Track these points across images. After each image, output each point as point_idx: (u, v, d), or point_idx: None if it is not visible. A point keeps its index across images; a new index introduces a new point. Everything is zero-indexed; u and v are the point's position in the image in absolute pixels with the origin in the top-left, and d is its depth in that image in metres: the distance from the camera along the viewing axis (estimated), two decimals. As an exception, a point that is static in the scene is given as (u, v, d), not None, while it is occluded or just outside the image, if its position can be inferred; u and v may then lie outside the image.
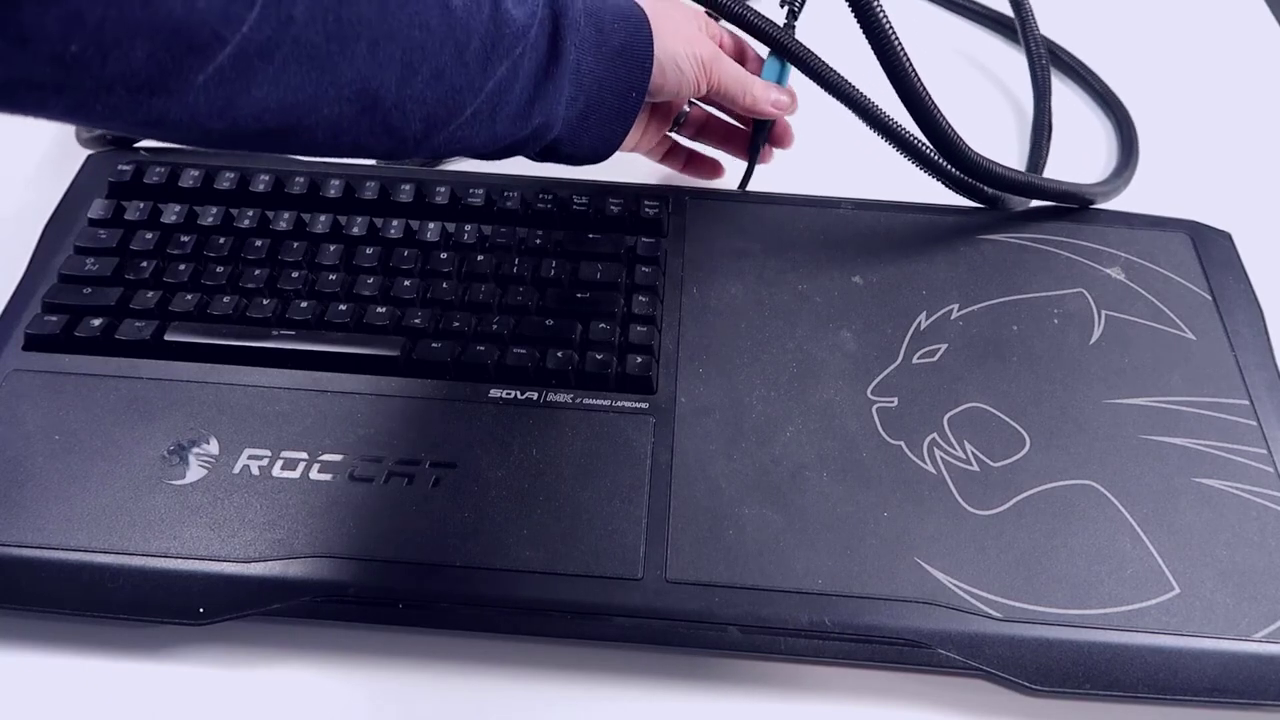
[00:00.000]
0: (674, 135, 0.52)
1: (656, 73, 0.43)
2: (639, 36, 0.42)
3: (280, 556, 0.37)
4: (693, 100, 0.49)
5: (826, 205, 0.50)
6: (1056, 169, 0.56)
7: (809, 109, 0.51)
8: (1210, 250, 0.48)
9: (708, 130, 0.52)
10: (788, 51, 0.46)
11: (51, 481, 0.39)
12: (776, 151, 0.52)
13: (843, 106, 0.46)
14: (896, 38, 0.42)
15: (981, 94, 0.62)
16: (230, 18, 0.28)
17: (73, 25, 0.25)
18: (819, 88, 0.46)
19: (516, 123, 0.39)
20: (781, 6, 0.47)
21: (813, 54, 0.46)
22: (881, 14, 0.42)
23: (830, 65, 0.45)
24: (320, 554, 0.37)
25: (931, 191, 0.49)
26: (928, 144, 0.45)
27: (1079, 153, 0.58)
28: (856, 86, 0.45)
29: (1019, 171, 0.47)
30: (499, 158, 0.42)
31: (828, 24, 0.48)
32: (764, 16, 0.46)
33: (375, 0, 0.32)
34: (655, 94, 0.44)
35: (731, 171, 0.53)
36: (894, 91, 0.44)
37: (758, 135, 0.50)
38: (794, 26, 0.47)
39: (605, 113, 0.42)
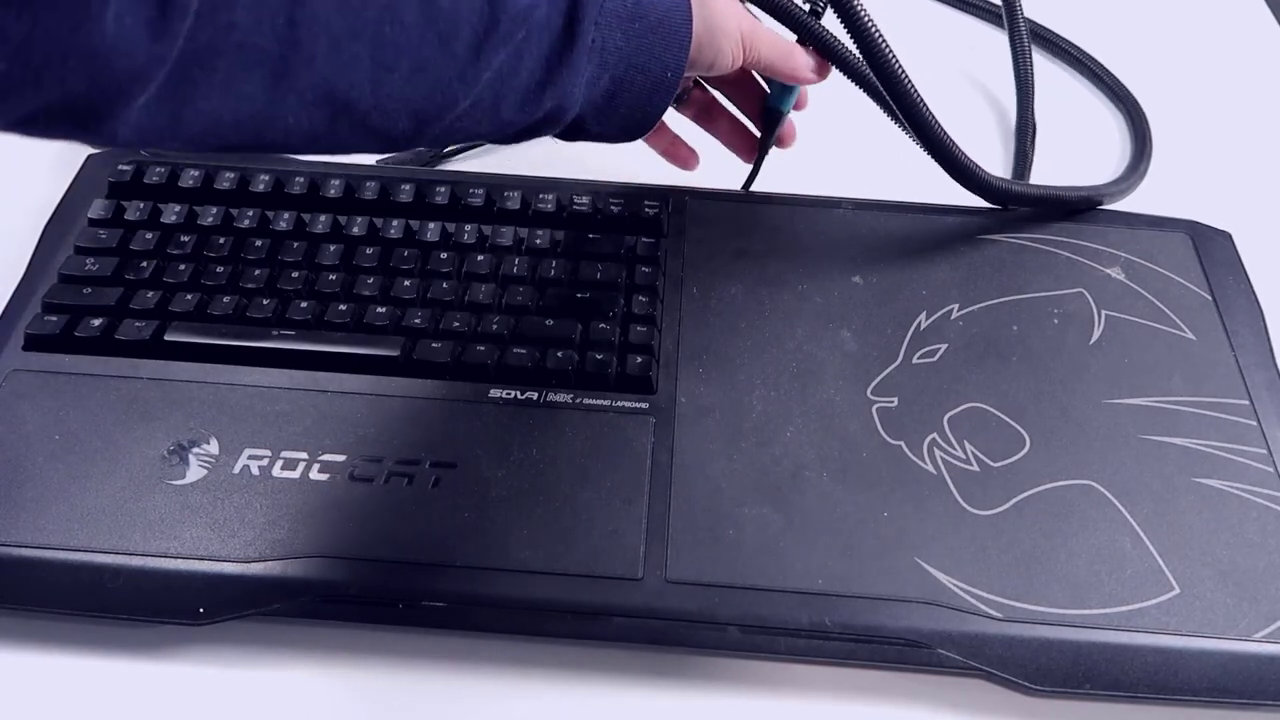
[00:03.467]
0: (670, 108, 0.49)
1: (694, 49, 0.39)
2: (677, 11, 0.39)
3: (280, 556, 0.37)
4: (699, 80, 0.47)
5: (826, 205, 0.50)
6: (1068, 164, 0.56)
7: (811, 110, 0.51)
8: (1210, 250, 0.48)
9: (708, 116, 0.50)
10: (818, 39, 0.44)
11: (51, 481, 0.39)
12: (777, 151, 0.51)
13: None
14: (901, 67, 0.42)
15: (961, 86, 0.62)
16: (163, 32, 0.25)
17: None
18: (845, 75, 0.44)
19: (525, 108, 0.36)
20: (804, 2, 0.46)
21: (841, 43, 0.44)
22: (886, 48, 0.41)
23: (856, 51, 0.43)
24: (320, 554, 0.37)
25: (931, 192, 0.49)
26: (952, 140, 0.45)
27: (1091, 147, 0.58)
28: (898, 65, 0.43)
29: (1035, 185, 0.48)
30: (515, 141, 0.39)
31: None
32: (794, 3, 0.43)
33: None
34: (690, 69, 0.40)
35: (730, 171, 0.53)
36: (901, 118, 0.44)
37: (768, 134, 0.48)
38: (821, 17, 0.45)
39: (636, 92, 0.39)
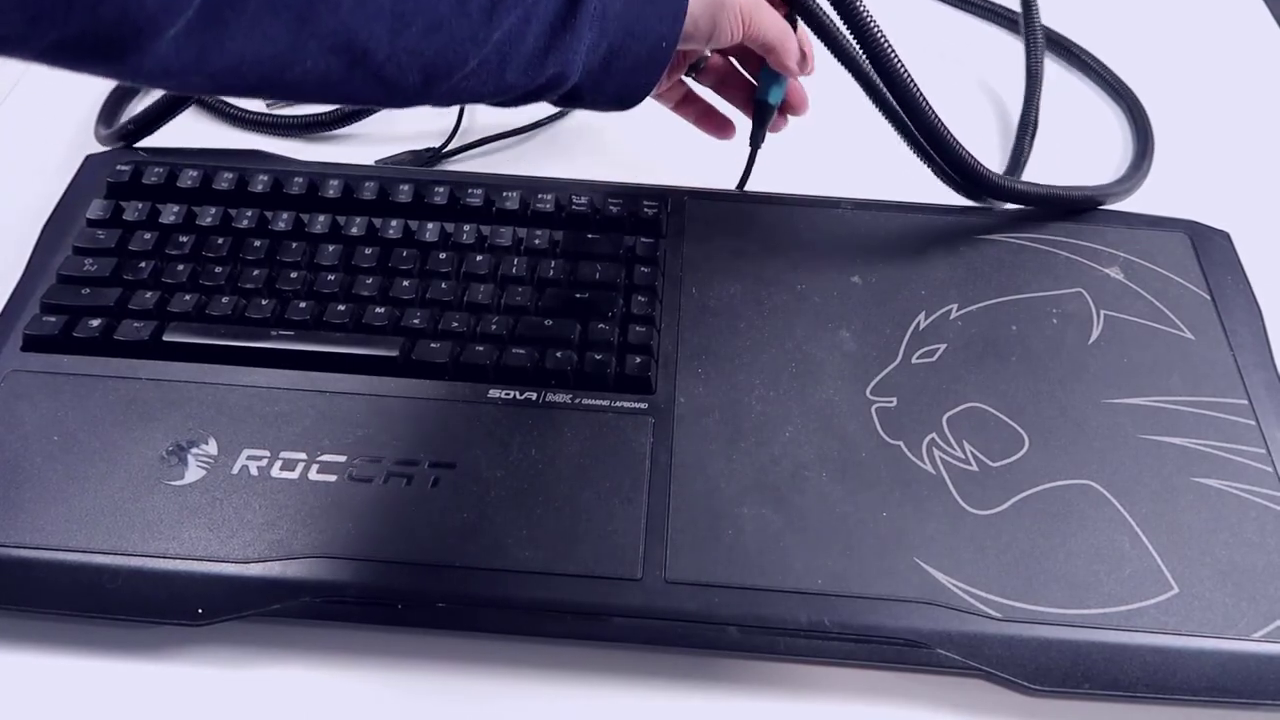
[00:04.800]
0: (689, 81, 0.50)
1: (689, 22, 0.40)
2: None
3: (279, 557, 0.37)
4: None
5: (826, 205, 0.50)
6: (1069, 163, 0.56)
7: (811, 109, 0.51)
8: (1209, 250, 0.48)
9: (727, 84, 0.50)
10: (807, 11, 0.44)
11: (50, 482, 0.39)
12: (777, 151, 0.51)
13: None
14: (907, 71, 0.42)
15: (957, 85, 0.62)
16: None
17: None
18: (835, 57, 0.44)
19: (528, 72, 0.37)
20: None
21: (830, 19, 0.44)
22: (888, 45, 0.41)
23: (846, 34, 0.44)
24: (320, 554, 0.37)
25: (931, 192, 0.49)
26: (956, 139, 0.45)
27: (1091, 146, 0.59)
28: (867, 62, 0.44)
29: (1040, 184, 0.48)
30: (514, 105, 0.39)
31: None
32: None
33: None
34: (685, 42, 0.41)
35: (729, 171, 0.53)
36: (908, 119, 0.44)
37: (759, 129, 0.48)
38: None
39: (631, 61, 0.40)
